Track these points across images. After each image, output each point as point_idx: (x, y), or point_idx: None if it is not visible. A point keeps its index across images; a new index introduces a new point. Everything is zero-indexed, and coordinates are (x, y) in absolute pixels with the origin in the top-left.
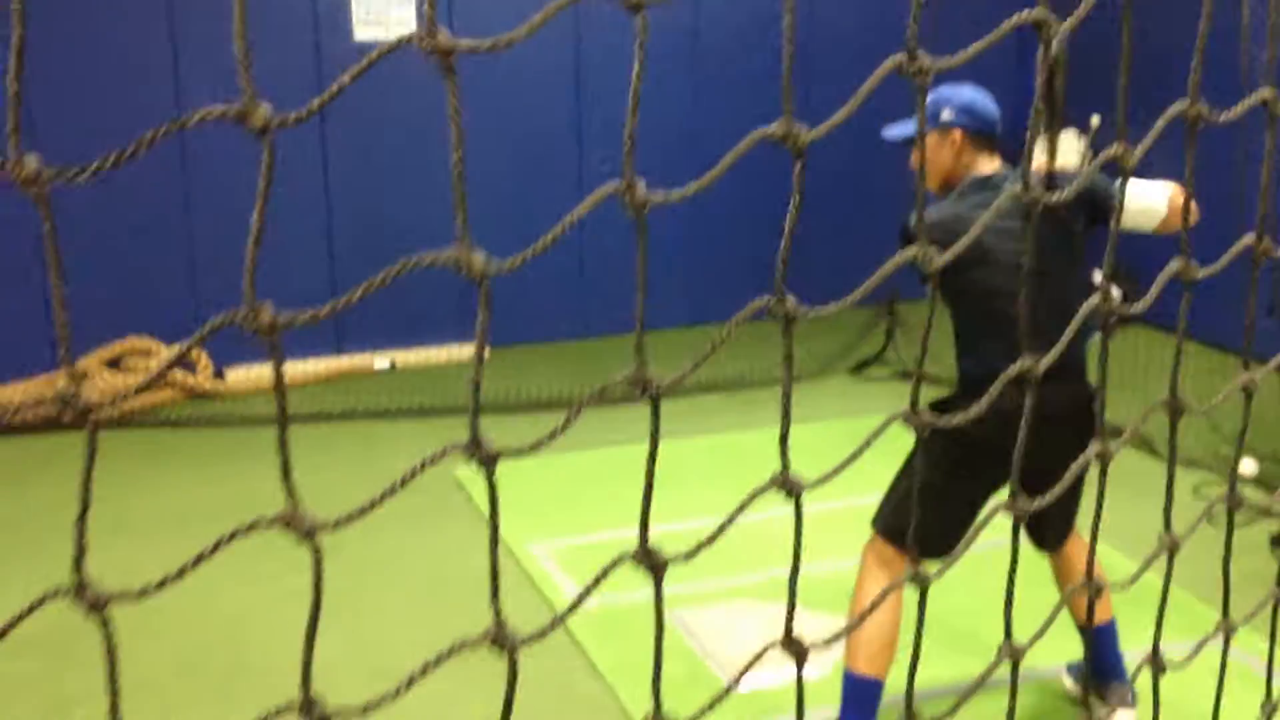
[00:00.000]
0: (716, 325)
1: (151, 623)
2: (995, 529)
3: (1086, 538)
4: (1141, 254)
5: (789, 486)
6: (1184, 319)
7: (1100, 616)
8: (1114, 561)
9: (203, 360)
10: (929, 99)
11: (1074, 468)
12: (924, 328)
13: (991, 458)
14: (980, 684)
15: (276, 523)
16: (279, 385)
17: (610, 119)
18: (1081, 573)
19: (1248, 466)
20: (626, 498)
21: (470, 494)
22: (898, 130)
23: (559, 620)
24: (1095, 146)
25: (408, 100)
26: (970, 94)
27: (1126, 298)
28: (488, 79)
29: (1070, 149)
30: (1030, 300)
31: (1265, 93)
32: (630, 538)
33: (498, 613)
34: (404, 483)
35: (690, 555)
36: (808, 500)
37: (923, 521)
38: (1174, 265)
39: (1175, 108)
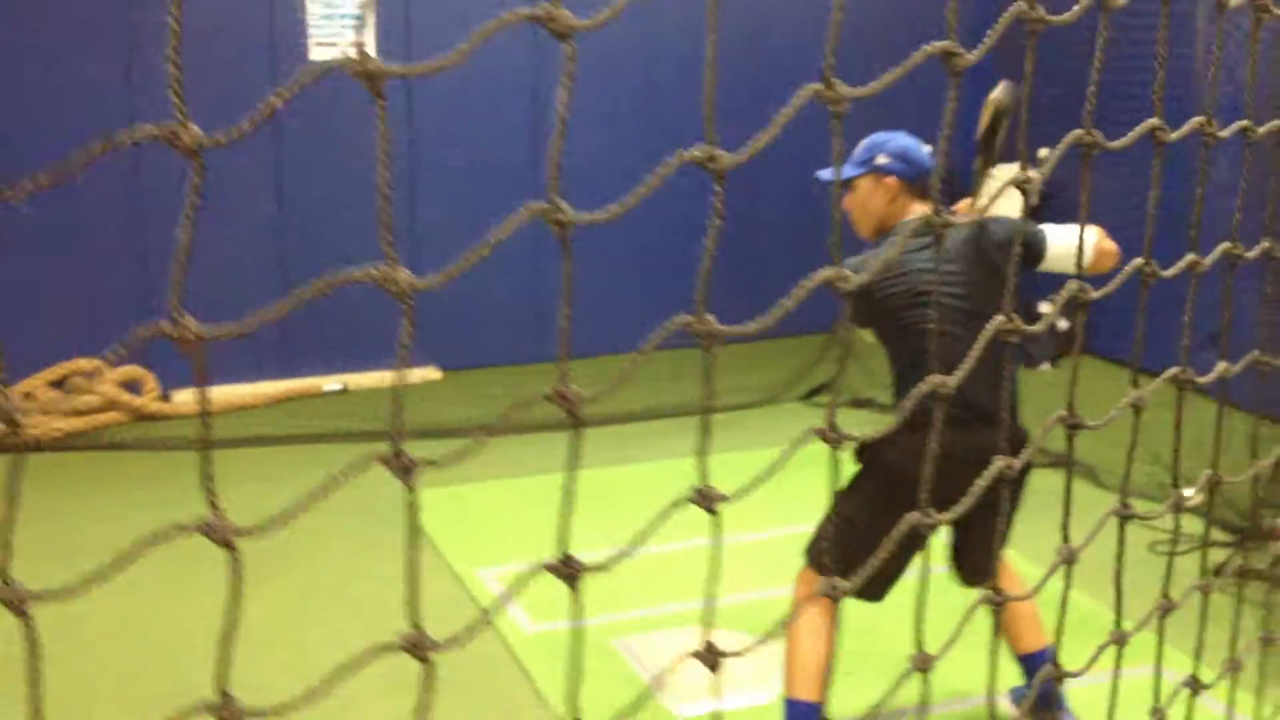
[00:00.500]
0: (676, 350)
1: (89, 645)
2: (937, 557)
3: (1016, 566)
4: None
5: (706, 500)
6: (1081, 335)
7: (1035, 644)
8: (1050, 587)
9: (149, 382)
10: (864, 145)
11: (974, 491)
12: (842, 355)
13: (911, 493)
14: (892, 691)
15: (196, 530)
16: (202, 397)
17: (569, 144)
18: (1016, 605)
19: (1189, 494)
20: (579, 523)
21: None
22: (829, 172)
23: (475, 629)
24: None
25: (366, 125)
26: (904, 140)
27: (1073, 331)
28: (448, 107)
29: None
30: (968, 341)
31: (1153, 121)
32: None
33: (414, 619)
34: (316, 497)
35: (605, 567)
36: (754, 528)
37: (853, 558)
38: (1071, 286)
39: (1072, 135)
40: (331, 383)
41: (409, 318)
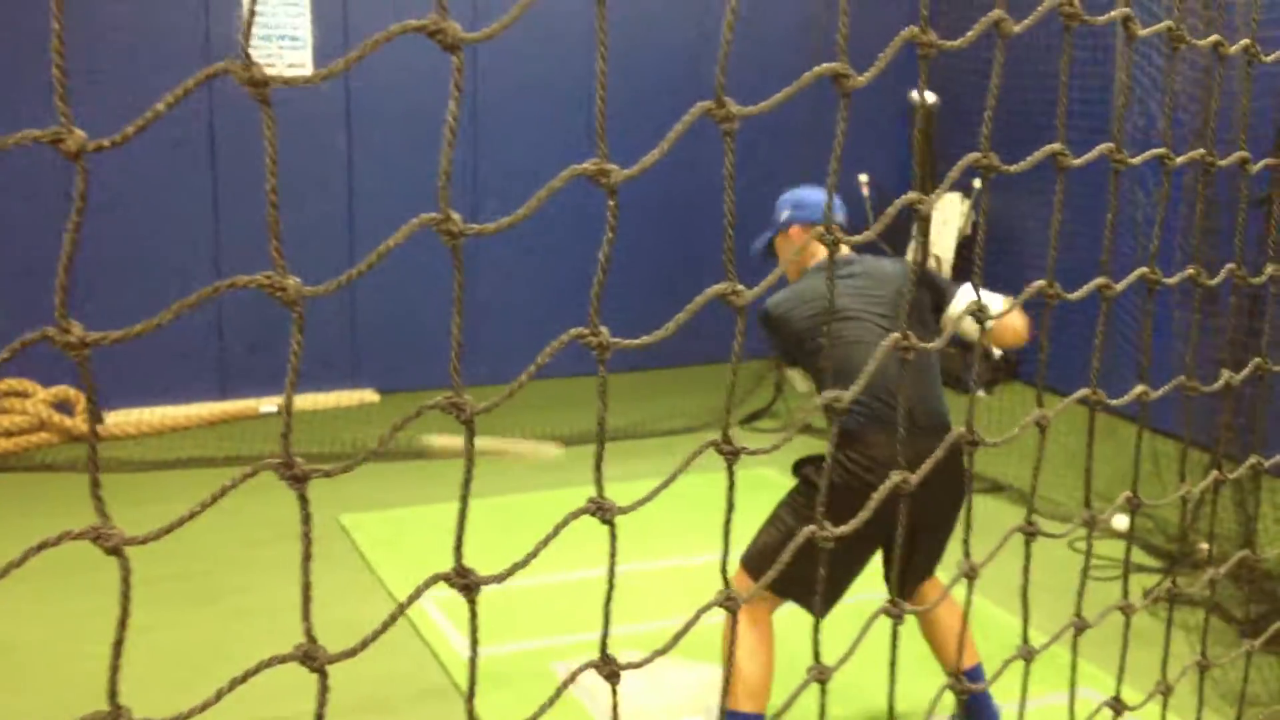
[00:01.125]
0: (624, 373)
1: (20, 676)
2: (874, 583)
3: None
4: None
5: (602, 511)
6: (979, 354)
7: (967, 662)
8: (986, 612)
9: (81, 403)
10: (777, 206)
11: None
12: (733, 376)
13: (862, 506)
14: (790, 703)
15: (84, 536)
16: (91, 403)
17: (503, 165)
18: (938, 615)
19: (1119, 521)
20: (515, 547)
21: (354, 540)
22: (757, 245)
23: (369, 641)
24: (976, 208)
25: (303, 139)
26: (801, 191)
27: (1008, 360)
28: (386, 125)
29: (954, 212)
30: (893, 355)
31: (1055, 146)
32: (517, 588)
33: (308, 630)
34: (214, 499)
35: (501, 578)
36: (694, 553)
37: (794, 574)
38: (969, 305)
39: (968, 158)
40: (268, 404)
41: (298, 325)
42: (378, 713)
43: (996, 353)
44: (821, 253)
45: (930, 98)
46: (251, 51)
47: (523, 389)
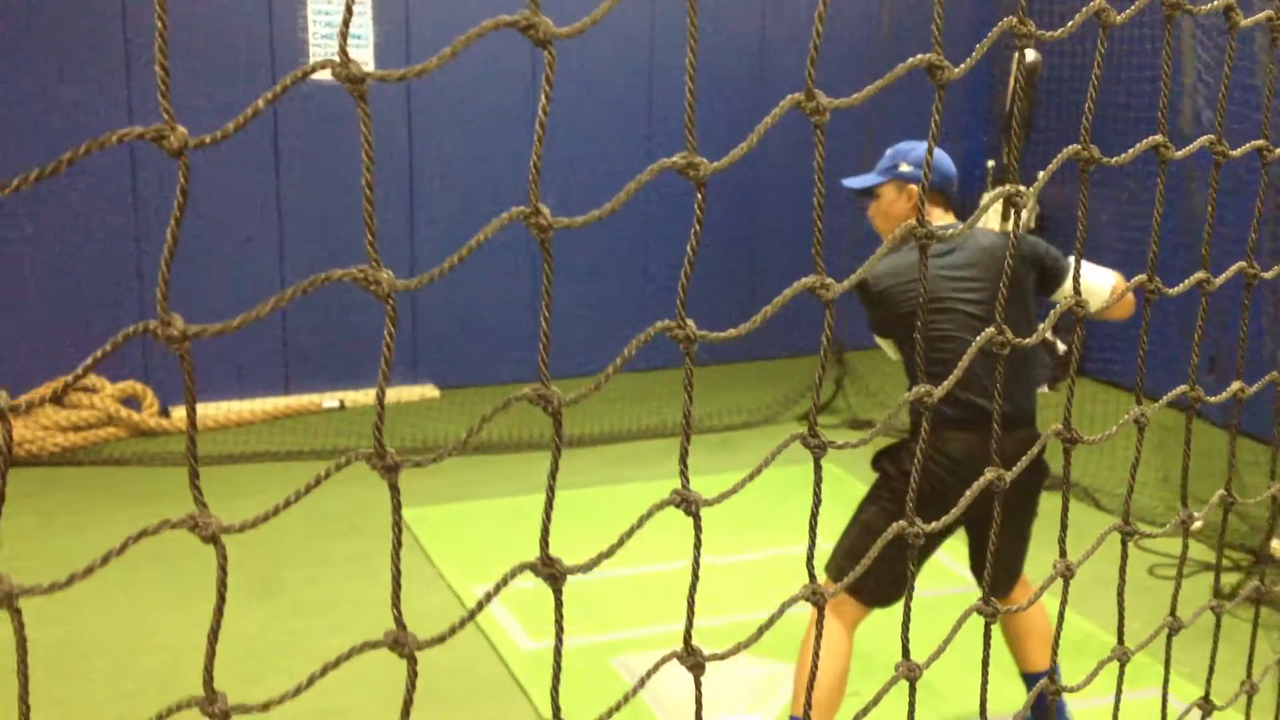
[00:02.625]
0: (672, 370)
1: (84, 668)
2: (940, 577)
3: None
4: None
5: (687, 503)
6: (1078, 348)
7: (1042, 664)
8: (1050, 609)
9: (149, 398)
10: (889, 154)
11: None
12: (820, 365)
13: (940, 504)
14: (876, 701)
15: (183, 524)
16: (189, 397)
17: (562, 159)
18: (1027, 621)
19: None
20: (574, 540)
21: (416, 535)
22: (857, 181)
23: (460, 626)
24: (1040, 199)
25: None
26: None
27: (1070, 354)
28: (449, 120)
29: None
30: (985, 350)
31: (1156, 138)
32: (578, 581)
33: (398, 617)
34: (308, 489)
35: (588, 568)
36: (758, 548)
37: (873, 569)
38: (1068, 301)
39: (1068, 150)
40: (330, 399)
41: (391, 319)
42: (436, 706)
43: (1061, 348)
44: (935, 219)
45: (1030, 55)
46: (314, 50)
47: (583, 384)
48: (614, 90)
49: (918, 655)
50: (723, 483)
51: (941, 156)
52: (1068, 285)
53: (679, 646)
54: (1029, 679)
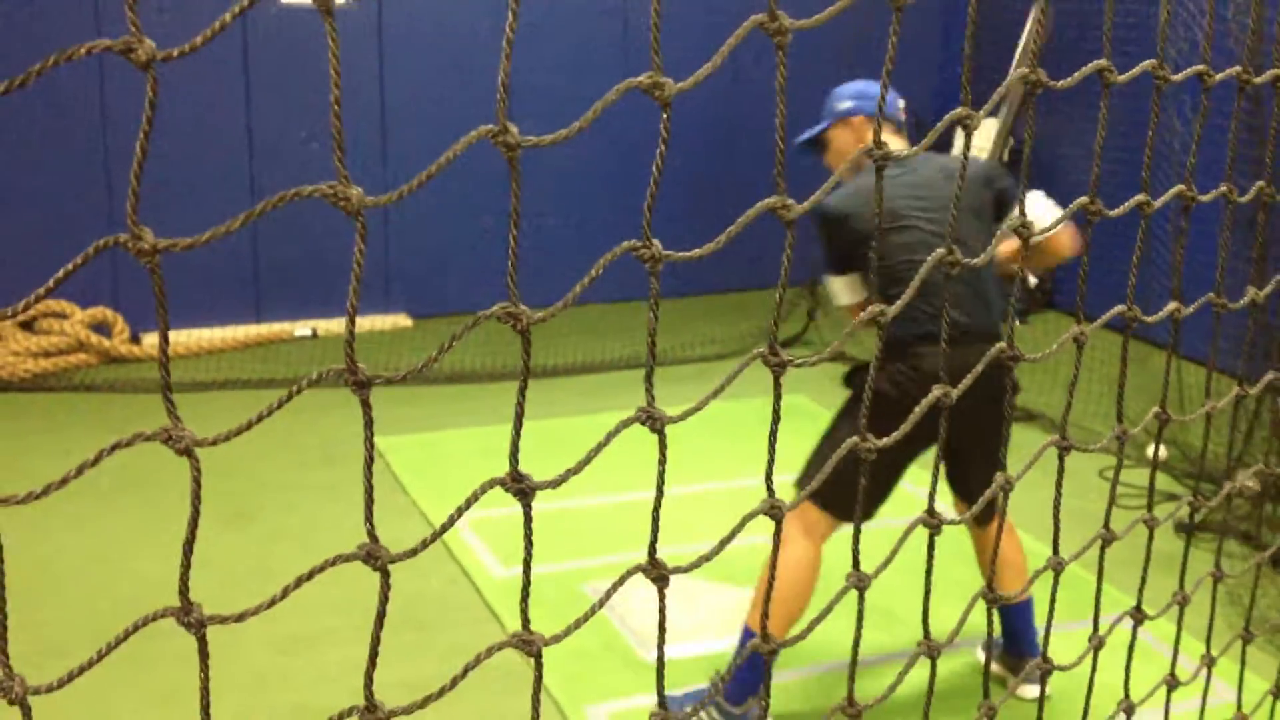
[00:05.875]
0: (647, 302)
1: (58, 593)
2: (912, 507)
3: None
4: None
5: (652, 420)
6: (1020, 279)
7: (1019, 595)
8: (1026, 545)
9: (119, 324)
10: (828, 101)
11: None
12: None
13: (903, 414)
14: (901, 679)
15: (156, 437)
16: (161, 311)
17: (539, 85)
18: (1002, 551)
19: (1160, 451)
20: (550, 469)
21: (390, 464)
22: (805, 135)
23: (427, 544)
24: (1015, 133)
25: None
26: (858, 84)
27: (1041, 285)
28: (417, 47)
29: (989, 137)
30: (945, 267)
31: (1101, 62)
32: (549, 510)
33: (370, 530)
34: (280, 405)
35: (556, 483)
36: (732, 477)
37: (843, 478)
38: (1013, 222)
39: (1016, 73)
40: (302, 328)
41: (361, 235)
42: (411, 630)
43: (1032, 281)
44: (886, 146)
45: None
46: None
47: (559, 315)
48: (592, 8)
49: (883, 579)
50: (699, 414)
51: (874, 86)
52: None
53: (661, 576)
54: (1002, 610)
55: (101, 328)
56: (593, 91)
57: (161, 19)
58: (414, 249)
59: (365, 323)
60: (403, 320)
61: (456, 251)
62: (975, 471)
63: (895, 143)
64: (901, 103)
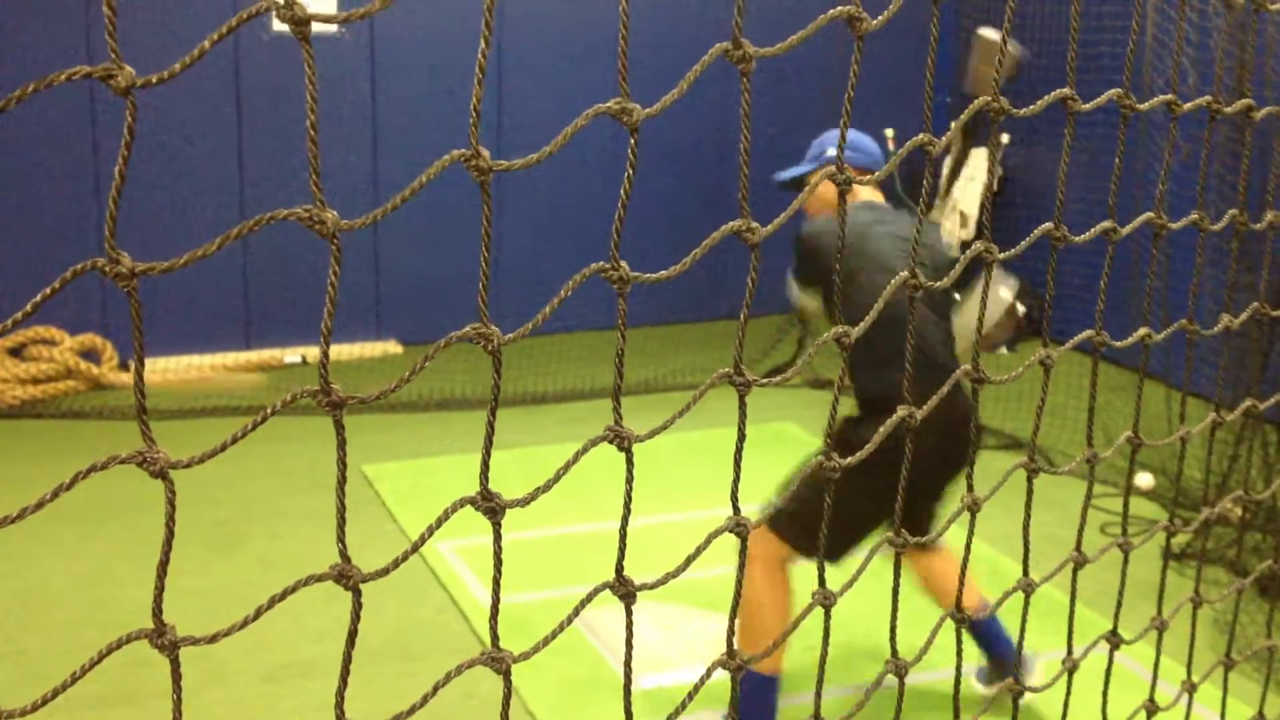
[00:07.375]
0: (630, 330)
1: (44, 619)
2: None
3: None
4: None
5: (619, 438)
6: (985, 290)
7: (969, 602)
8: (1005, 568)
9: (108, 351)
10: (815, 144)
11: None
12: (744, 312)
13: (891, 466)
14: (868, 697)
15: (130, 460)
16: (137, 335)
17: (528, 118)
18: (936, 566)
19: (1144, 479)
20: (537, 498)
21: (377, 490)
22: (787, 173)
23: (399, 563)
24: (1005, 164)
25: (326, 92)
26: (852, 134)
27: (1031, 314)
28: (410, 77)
29: (981, 168)
30: (919, 314)
31: (1064, 91)
32: (538, 538)
33: (343, 550)
34: (255, 426)
35: (526, 501)
36: (705, 505)
37: (816, 527)
38: (978, 246)
39: (977, 102)
40: (292, 354)
41: (335, 258)
42: (399, 659)
43: (1021, 310)
44: (862, 194)
45: (991, 34)
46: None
47: (550, 342)
48: (579, 44)
49: (863, 616)
50: (686, 440)
51: (866, 139)
52: (961, 317)
53: (642, 604)
54: (974, 630)
55: (91, 354)
56: (590, 125)
57: (158, 43)
58: (404, 276)
59: (355, 349)
60: (393, 347)
61: (447, 279)
62: (926, 503)
63: (871, 195)
64: (890, 132)
